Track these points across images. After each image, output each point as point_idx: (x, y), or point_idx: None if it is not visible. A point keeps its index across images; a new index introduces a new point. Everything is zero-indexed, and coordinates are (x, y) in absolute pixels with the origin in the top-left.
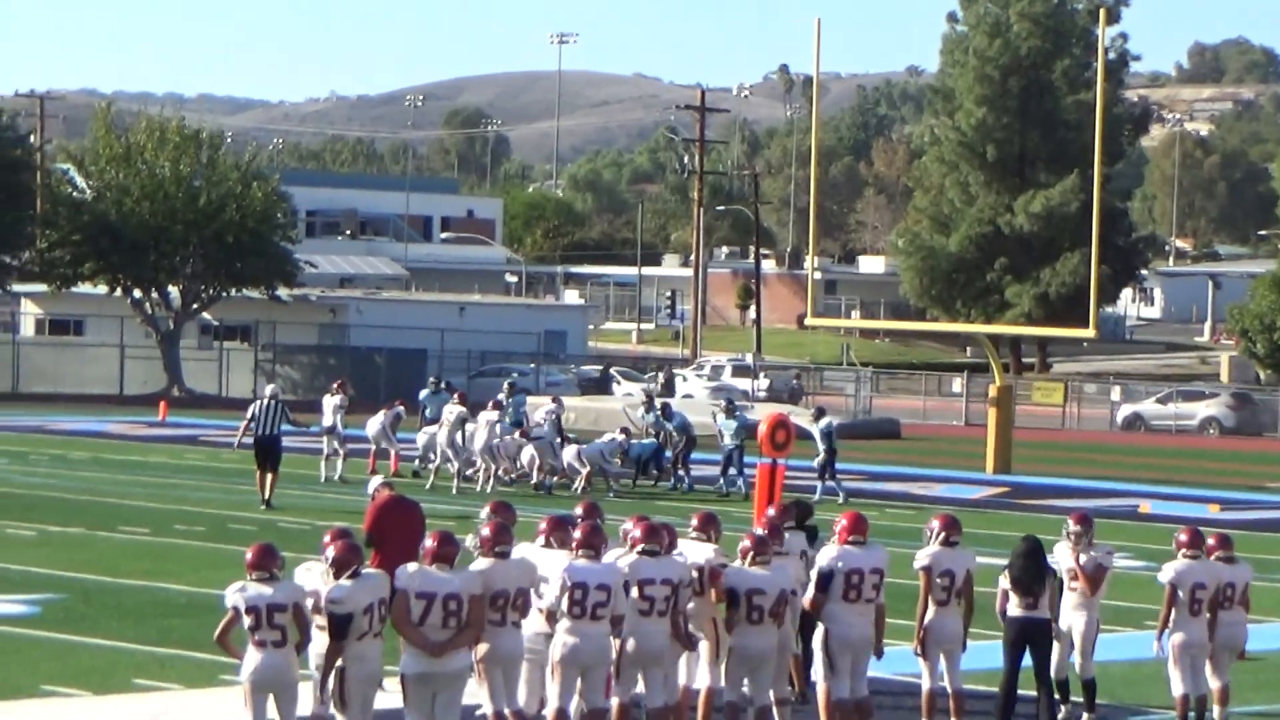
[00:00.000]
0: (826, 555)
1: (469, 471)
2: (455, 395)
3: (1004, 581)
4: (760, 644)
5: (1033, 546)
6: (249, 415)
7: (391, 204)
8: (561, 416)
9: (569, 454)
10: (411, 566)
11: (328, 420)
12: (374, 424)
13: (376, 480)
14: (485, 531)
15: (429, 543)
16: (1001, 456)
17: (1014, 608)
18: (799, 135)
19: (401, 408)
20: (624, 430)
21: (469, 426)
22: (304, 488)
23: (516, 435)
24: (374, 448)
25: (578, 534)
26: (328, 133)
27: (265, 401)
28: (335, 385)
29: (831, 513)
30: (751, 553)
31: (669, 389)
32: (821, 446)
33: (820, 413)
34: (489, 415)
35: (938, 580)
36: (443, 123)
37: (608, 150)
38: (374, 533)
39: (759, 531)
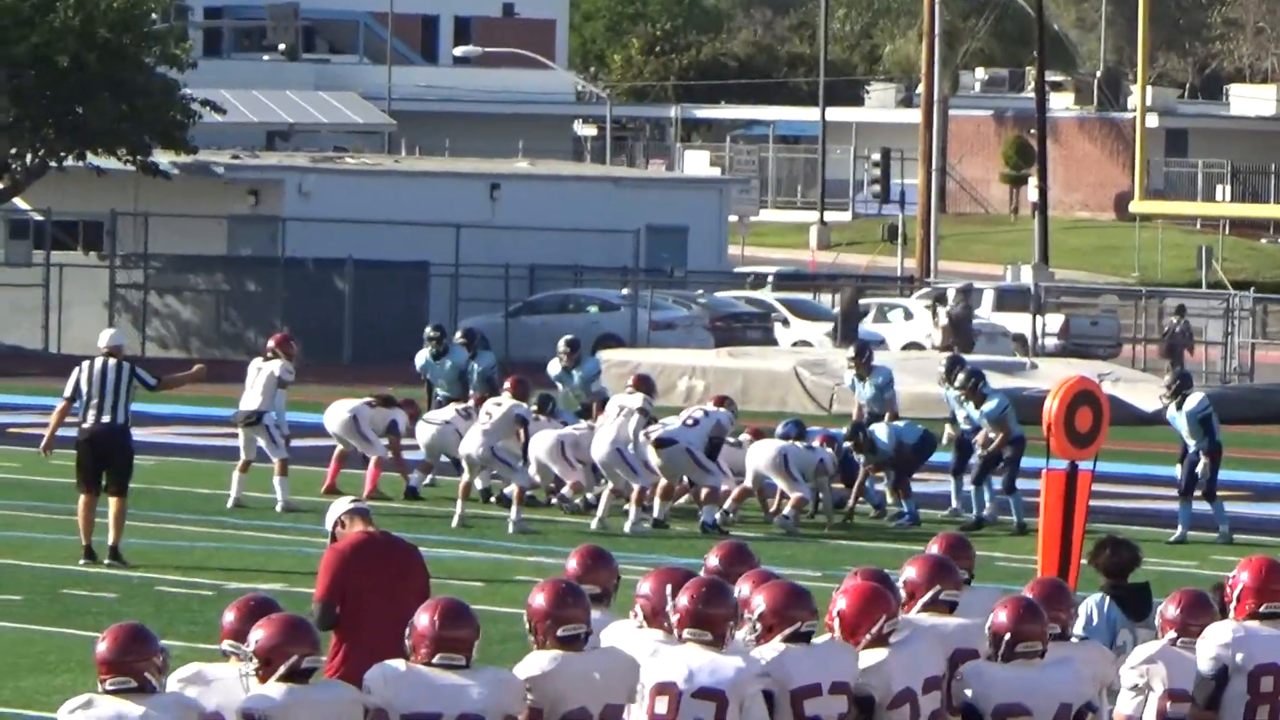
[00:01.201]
0: (1215, 641)
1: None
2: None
3: None
4: None
5: None
6: (68, 389)
7: None
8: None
9: (760, 459)
10: (398, 665)
11: (253, 401)
12: (338, 412)
13: (340, 506)
14: (539, 600)
15: (424, 620)
16: None
17: None
18: None
19: (402, 415)
20: (828, 439)
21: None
22: (201, 520)
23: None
24: (337, 449)
25: (683, 602)
26: None
27: (99, 364)
28: (271, 342)
29: (1191, 564)
30: (1008, 634)
31: (960, 328)
32: (1190, 442)
33: (1183, 382)
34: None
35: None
36: None
37: None
38: (333, 600)
39: (1026, 597)
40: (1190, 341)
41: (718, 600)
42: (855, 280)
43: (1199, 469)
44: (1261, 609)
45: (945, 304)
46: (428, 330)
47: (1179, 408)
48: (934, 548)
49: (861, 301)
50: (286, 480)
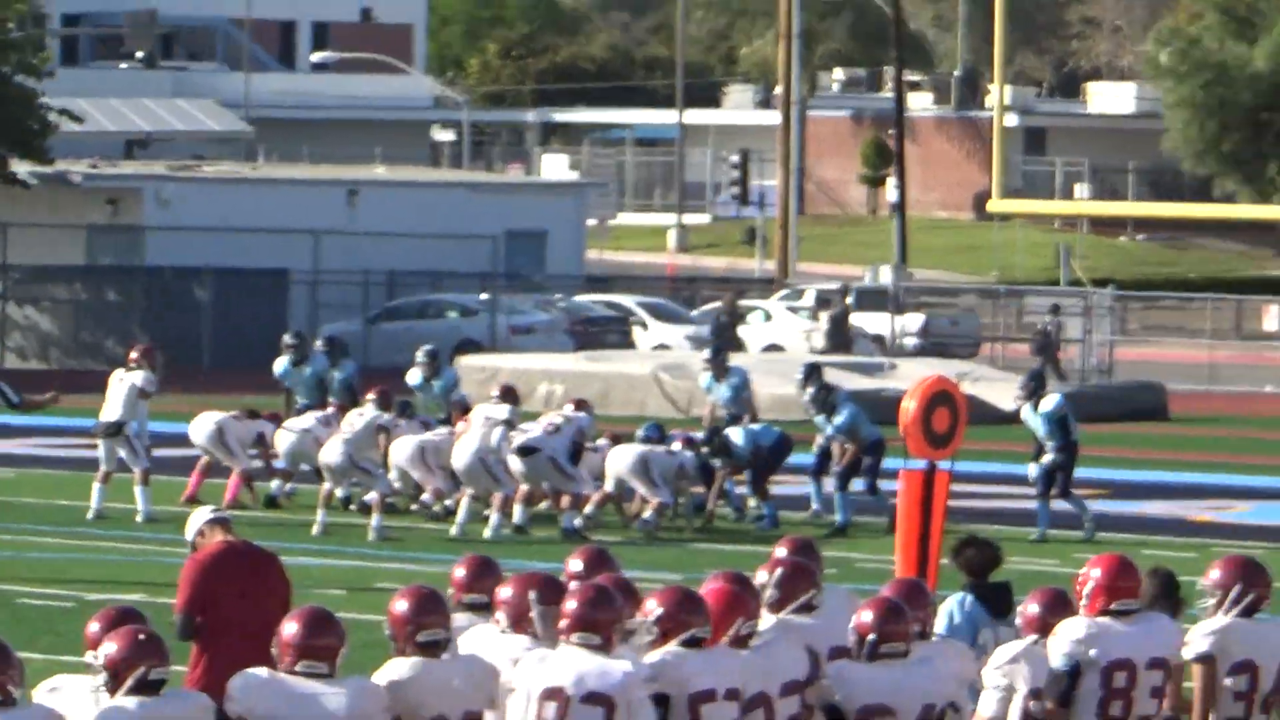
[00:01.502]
0: (1068, 638)
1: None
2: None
3: None
4: None
5: None
6: None
7: (221, 1)
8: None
9: (620, 464)
10: (260, 673)
11: (115, 412)
12: (203, 424)
13: (201, 516)
14: (401, 606)
15: (291, 629)
16: None
17: None
18: None
19: (268, 426)
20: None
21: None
22: (61, 531)
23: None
24: (201, 460)
25: (570, 606)
26: None
27: None
28: (134, 353)
29: (1056, 558)
30: (872, 635)
31: (840, 330)
32: (1048, 443)
33: (1038, 382)
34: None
35: (1228, 682)
36: None
37: None
38: (193, 611)
39: (889, 597)
40: (1059, 340)
41: (604, 604)
42: (842, 291)
43: (1054, 468)
44: (1113, 606)
45: (829, 306)
46: (286, 338)
47: (1035, 408)
48: (781, 550)
49: (717, 305)
50: (148, 490)
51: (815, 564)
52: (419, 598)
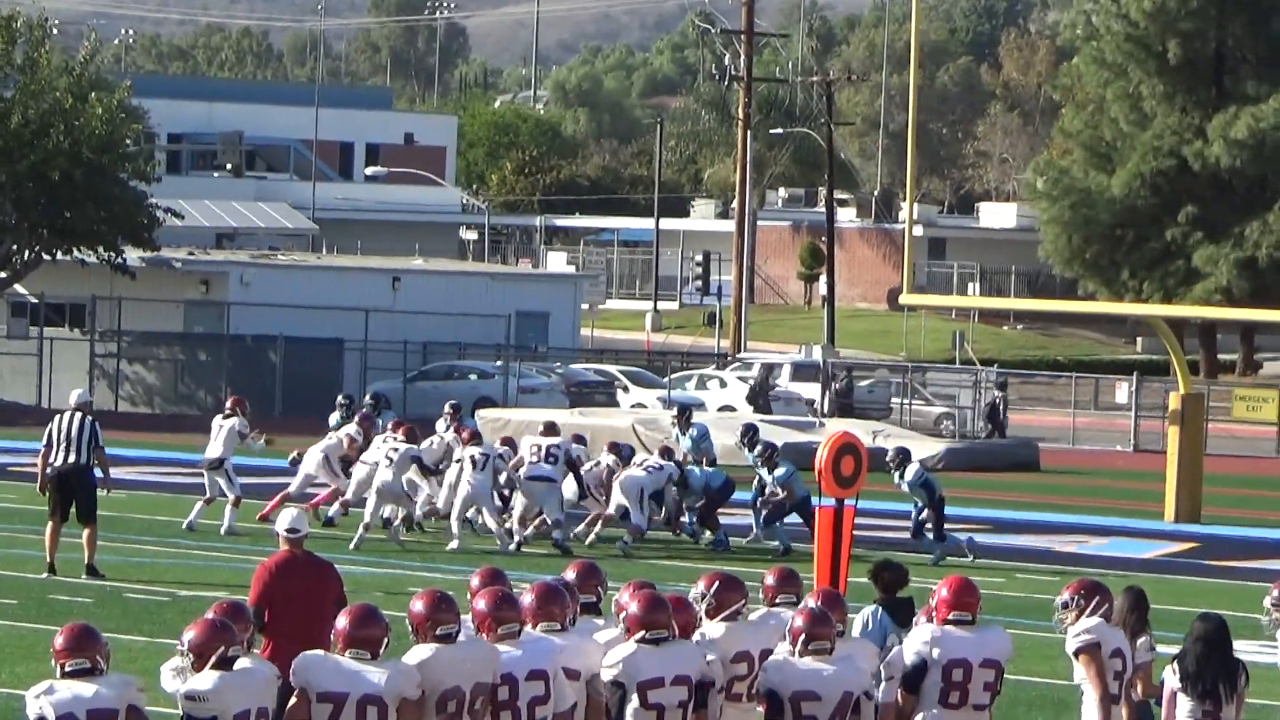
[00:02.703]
0: (917, 640)
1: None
2: (394, 425)
3: (1171, 679)
4: None
5: (1214, 630)
6: (45, 438)
7: (293, 126)
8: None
9: (625, 489)
10: (317, 653)
11: (217, 450)
12: (313, 456)
13: (282, 523)
14: (418, 606)
15: (342, 622)
16: (1188, 498)
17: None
18: (894, 25)
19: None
20: (666, 451)
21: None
22: (161, 541)
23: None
24: (286, 490)
25: (527, 599)
26: (200, 20)
27: (67, 416)
28: (229, 403)
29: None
30: (803, 636)
31: (761, 396)
32: (916, 502)
33: (903, 457)
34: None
35: (1110, 660)
36: (369, 6)
37: (611, 48)
38: (261, 606)
39: (813, 605)
40: (1005, 410)
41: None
42: (767, 367)
43: (924, 521)
44: (951, 616)
45: (754, 377)
46: (339, 399)
47: (901, 477)
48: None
49: (685, 373)
50: (237, 511)
51: (798, 589)
52: (434, 600)
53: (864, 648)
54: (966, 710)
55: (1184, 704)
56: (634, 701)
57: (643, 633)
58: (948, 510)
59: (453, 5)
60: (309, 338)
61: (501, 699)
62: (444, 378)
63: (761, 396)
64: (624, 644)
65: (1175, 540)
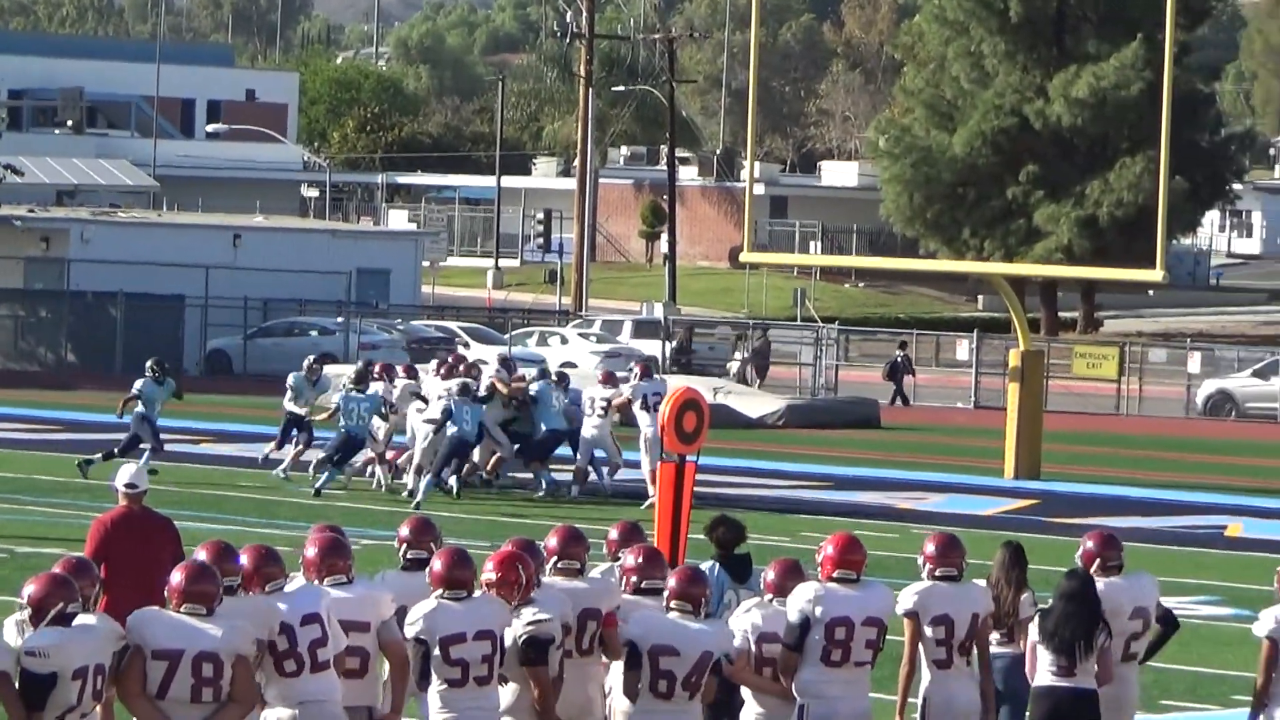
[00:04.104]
0: (801, 597)
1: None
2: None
3: (1033, 632)
4: None
5: (1080, 586)
6: None
7: (134, 82)
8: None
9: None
10: (151, 609)
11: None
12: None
13: (127, 473)
14: (310, 551)
15: (177, 578)
16: (1027, 454)
17: (1045, 673)
18: None
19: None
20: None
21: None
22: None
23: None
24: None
25: (310, 552)
26: None
27: None
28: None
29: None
30: (671, 597)
31: (684, 354)
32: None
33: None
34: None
35: (929, 630)
36: None
37: (453, 4)
38: (99, 559)
39: (691, 568)
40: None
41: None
42: (688, 326)
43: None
44: (836, 574)
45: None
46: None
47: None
48: (613, 533)
49: (526, 330)
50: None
51: (641, 539)
52: (259, 554)
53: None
54: (848, 667)
55: (1044, 656)
56: (437, 656)
57: (442, 589)
58: (790, 467)
59: None
60: (150, 294)
61: (281, 648)
62: (285, 334)
63: (684, 355)
64: (426, 600)
65: (1015, 497)
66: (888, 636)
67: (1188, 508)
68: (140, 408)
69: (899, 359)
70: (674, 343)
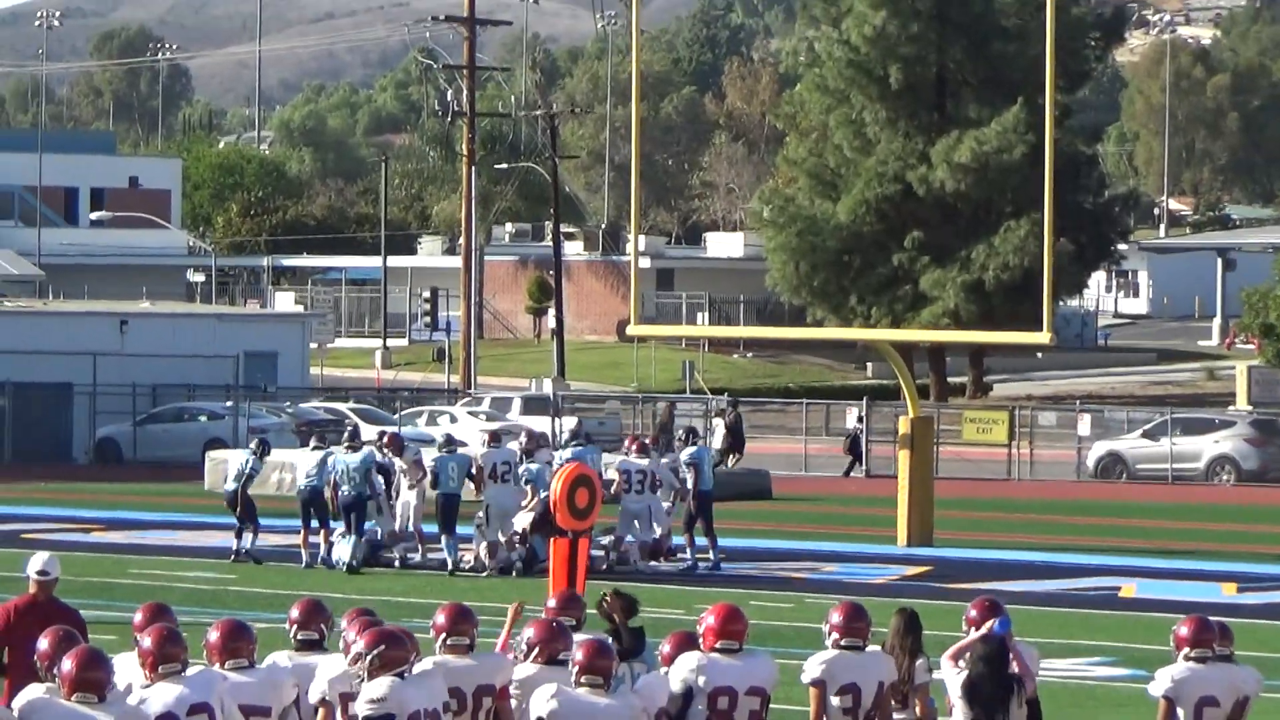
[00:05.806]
0: (684, 667)
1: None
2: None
3: (954, 691)
4: None
5: (994, 651)
6: None
7: (17, 171)
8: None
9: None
10: (41, 697)
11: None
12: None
13: (40, 560)
14: (146, 642)
15: (68, 665)
16: (919, 521)
17: None
18: (616, 57)
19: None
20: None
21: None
22: None
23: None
24: None
25: (213, 636)
26: None
27: None
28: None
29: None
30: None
31: (664, 433)
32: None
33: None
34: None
35: (835, 700)
36: (90, 50)
37: (335, 86)
38: (2, 646)
39: (599, 640)
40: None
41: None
42: (670, 400)
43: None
44: (719, 644)
45: (724, 415)
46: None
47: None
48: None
49: (416, 409)
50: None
51: (580, 614)
52: (160, 636)
53: (654, 679)
54: None
55: (963, 714)
56: None
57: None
58: (681, 540)
59: (175, 47)
60: (37, 383)
61: None
62: (174, 419)
63: (665, 433)
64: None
65: (908, 564)
66: (771, 706)
67: (1081, 570)
68: None
69: (728, 418)
70: (656, 419)
